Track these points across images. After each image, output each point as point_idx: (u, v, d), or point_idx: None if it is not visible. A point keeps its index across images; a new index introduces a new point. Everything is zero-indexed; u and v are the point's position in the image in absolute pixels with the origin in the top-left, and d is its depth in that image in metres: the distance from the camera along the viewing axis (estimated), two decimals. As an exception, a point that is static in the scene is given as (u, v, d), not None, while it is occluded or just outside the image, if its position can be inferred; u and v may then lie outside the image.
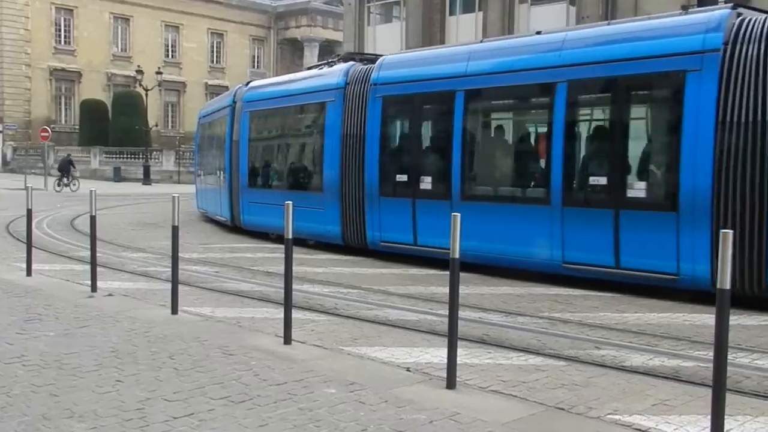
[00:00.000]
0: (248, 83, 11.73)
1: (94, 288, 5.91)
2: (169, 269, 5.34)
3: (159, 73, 29.75)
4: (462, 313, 4.12)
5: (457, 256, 3.54)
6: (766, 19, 5.76)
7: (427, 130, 8.28)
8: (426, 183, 7.79)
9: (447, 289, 3.64)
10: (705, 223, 5.74)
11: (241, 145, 11.07)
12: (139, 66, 29.92)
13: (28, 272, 6.73)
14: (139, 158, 30.02)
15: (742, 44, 5.70)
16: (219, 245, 10.16)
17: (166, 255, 6.51)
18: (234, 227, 11.54)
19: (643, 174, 6.37)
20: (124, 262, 8.11)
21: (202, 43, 39.74)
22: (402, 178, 8.05)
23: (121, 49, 37.13)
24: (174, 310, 5.11)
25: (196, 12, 38.78)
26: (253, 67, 41.04)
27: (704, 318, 5.11)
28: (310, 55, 40.01)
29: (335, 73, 9.15)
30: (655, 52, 6.08)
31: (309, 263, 7.99)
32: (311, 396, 3.34)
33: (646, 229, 6.04)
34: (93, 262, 6.02)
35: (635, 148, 6.49)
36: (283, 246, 4.36)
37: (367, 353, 4.19)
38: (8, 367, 3.74)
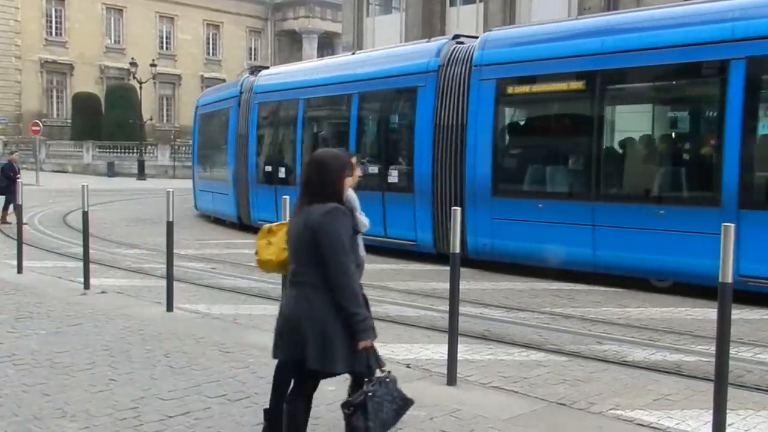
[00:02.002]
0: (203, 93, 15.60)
1: (86, 285, 5.83)
2: (164, 266, 5.27)
3: (153, 65, 29.30)
4: (463, 309, 4.08)
5: (457, 250, 3.49)
6: (469, 46, 7.64)
7: (283, 130, 10.54)
8: (282, 173, 10.07)
9: (447, 285, 3.60)
10: (428, 202, 7.77)
11: (194, 143, 14.43)
12: (132, 58, 29.48)
13: (19, 269, 6.65)
14: (133, 153, 29.72)
15: (451, 66, 7.66)
16: (215, 241, 10.11)
17: (161, 251, 6.44)
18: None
19: (395, 164, 8.44)
20: (117, 259, 8.03)
21: (198, 35, 39.29)
22: (268, 169, 10.37)
23: (114, 41, 36.66)
24: (169, 308, 5.05)
25: (191, 3, 38.30)
26: (250, 59, 40.54)
27: (706, 312, 5.09)
28: (309, 48, 39.60)
29: (236, 83, 11.74)
30: (403, 72, 8.23)
31: (306, 258, 7.94)
32: (309, 394, 3.30)
33: (398, 207, 8.07)
34: (86, 259, 5.94)
35: (392, 145, 8.81)
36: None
37: (365, 350, 4.13)
38: (-1, 366, 3.68)
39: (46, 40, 34.62)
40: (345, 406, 2.23)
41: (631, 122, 6.95)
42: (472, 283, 6.33)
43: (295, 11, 40.88)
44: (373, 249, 7.85)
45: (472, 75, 7.39)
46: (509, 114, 7.66)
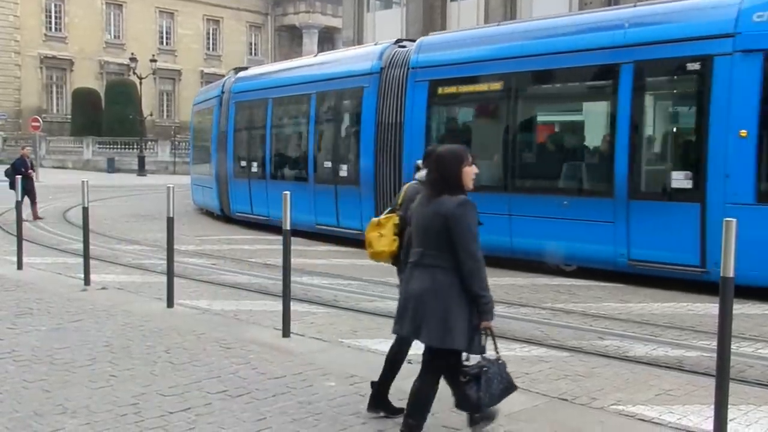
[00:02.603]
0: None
1: (87, 281, 5.83)
2: (165, 262, 5.26)
3: (153, 60, 29.20)
4: (463, 304, 4.04)
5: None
6: (408, 49, 8.22)
7: (256, 128, 11.17)
8: (254, 168, 10.92)
9: (448, 280, 3.58)
10: (371, 194, 8.40)
11: (191, 140, 15.97)
12: (132, 54, 29.39)
13: (19, 265, 6.65)
14: (133, 148, 29.68)
15: (392, 68, 8.29)
16: (216, 237, 10.11)
17: (162, 247, 6.44)
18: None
19: (345, 160, 9.10)
20: (118, 255, 8.02)
21: (198, 30, 39.14)
22: (243, 164, 11.19)
23: (114, 36, 36.53)
24: (169, 304, 5.04)
25: (191, -2, 38.14)
26: (251, 54, 40.43)
27: (708, 307, 5.09)
28: (310, 43, 39.40)
29: (219, 84, 12.61)
30: (351, 74, 8.91)
31: (308, 255, 7.93)
32: (311, 389, 3.29)
33: (348, 199, 8.73)
34: (86, 255, 5.93)
35: (343, 141, 9.44)
36: (281, 237, 4.28)
37: (367, 345, 4.13)
38: (-1, 362, 3.68)
39: (45, 35, 34.51)
40: (462, 374, 2.42)
41: (540, 120, 7.52)
42: (473, 278, 6.32)
43: (295, 6, 40.69)
44: (332, 239, 9.04)
45: (409, 77, 7.95)
46: (439, 113, 8.15)
